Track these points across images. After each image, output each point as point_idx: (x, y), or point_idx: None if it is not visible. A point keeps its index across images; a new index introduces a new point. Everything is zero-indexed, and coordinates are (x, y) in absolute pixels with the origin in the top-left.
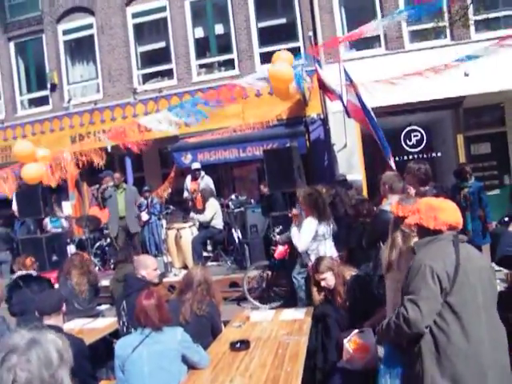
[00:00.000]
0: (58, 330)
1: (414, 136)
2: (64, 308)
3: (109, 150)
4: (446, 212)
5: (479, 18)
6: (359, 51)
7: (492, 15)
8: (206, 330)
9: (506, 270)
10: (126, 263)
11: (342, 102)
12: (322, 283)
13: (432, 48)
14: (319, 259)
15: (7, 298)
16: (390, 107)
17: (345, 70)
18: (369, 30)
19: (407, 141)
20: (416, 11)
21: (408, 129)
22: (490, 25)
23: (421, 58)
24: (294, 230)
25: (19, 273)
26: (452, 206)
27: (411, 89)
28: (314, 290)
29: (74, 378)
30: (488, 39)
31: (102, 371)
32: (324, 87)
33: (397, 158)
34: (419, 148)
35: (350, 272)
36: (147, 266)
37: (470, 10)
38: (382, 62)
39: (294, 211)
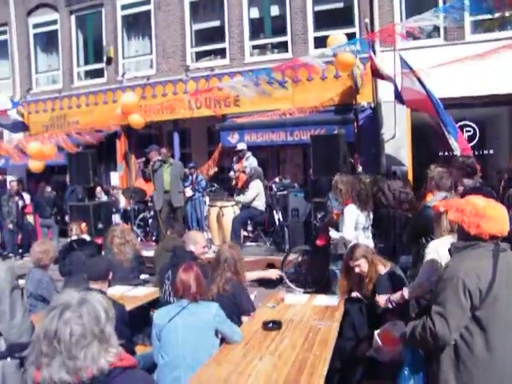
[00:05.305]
0: (102, 294)
1: (467, 131)
2: (110, 277)
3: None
4: (491, 221)
5: None
6: (416, 40)
7: None
8: (229, 310)
9: None
10: (176, 236)
11: (396, 90)
12: (356, 269)
13: (495, 40)
14: (354, 246)
15: (60, 258)
16: (444, 100)
17: (402, 58)
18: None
19: None
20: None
21: (460, 124)
22: None
23: (482, 50)
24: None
25: (74, 237)
26: (500, 213)
27: (467, 83)
28: (342, 277)
29: None
30: None
31: (138, 337)
32: (378, 74)
33: (446, 153)
34: (470, 144)
35: (383, 265)
36: (196, 242)
37: None
38: (440, 53)
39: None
